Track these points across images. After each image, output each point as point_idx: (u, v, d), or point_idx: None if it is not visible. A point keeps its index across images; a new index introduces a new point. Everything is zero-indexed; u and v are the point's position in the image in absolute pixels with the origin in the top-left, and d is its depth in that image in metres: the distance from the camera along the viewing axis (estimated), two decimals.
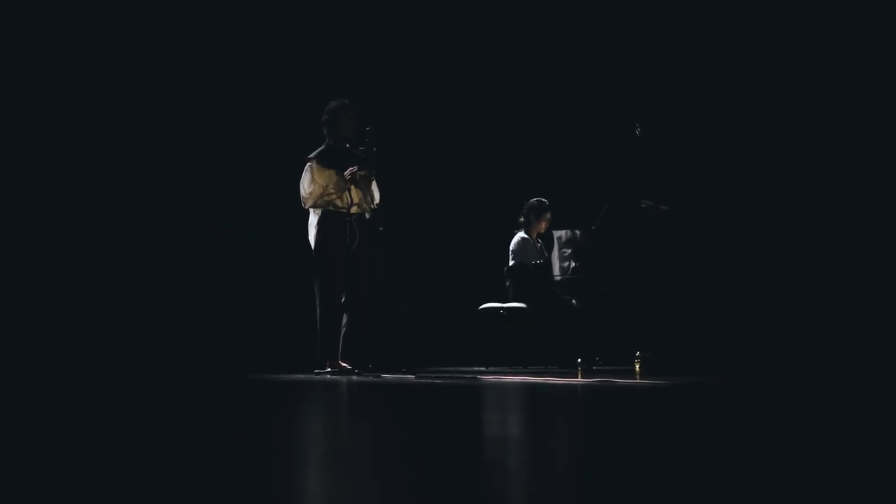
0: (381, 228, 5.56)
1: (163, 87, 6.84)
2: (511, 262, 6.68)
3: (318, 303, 5.53)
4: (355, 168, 5.46)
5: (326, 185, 5.47)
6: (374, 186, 5.65)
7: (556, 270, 6.32)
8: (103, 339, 6.30)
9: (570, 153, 7.73)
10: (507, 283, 6.70)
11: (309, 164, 5.50)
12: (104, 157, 6.66)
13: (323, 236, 5.49)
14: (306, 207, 5.55)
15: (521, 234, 6.72)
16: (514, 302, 6.57)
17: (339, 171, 5.47)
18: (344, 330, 5.51)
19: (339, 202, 5.51)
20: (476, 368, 6.31)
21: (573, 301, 6.40)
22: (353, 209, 5.56)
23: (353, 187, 5.55)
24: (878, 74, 7.01)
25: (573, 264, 6.20)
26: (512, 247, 6.69)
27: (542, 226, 6.74)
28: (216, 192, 6.97)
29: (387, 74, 7.50)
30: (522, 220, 6.76)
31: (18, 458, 1.77)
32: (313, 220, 5.56)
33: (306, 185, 5.49)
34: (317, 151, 5.56)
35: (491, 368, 6.24)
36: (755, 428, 2.42)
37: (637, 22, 7.67)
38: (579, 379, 4.88)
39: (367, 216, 5.59)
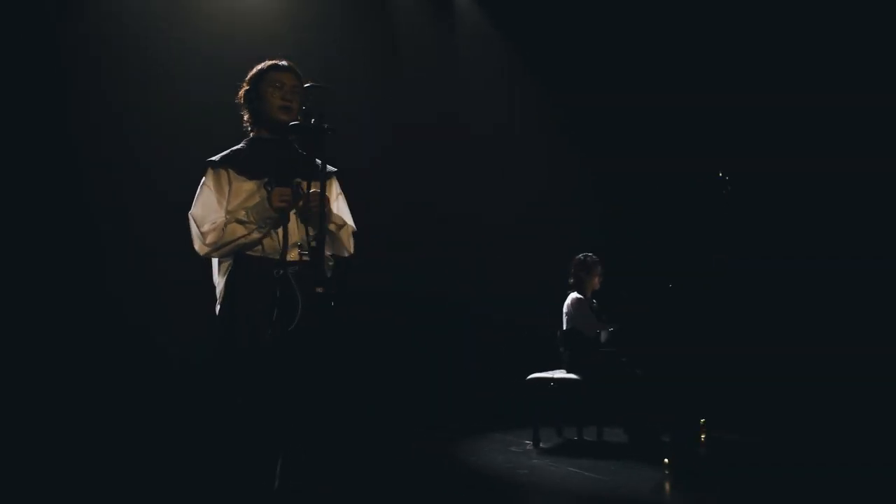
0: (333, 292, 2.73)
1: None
2: (566, 327, 6.00)
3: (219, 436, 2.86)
4: (308, 189, 2.82)
5: (243, 211, 2.87)
6: (341, 209, 3.11)
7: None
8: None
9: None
10: (562, 349, 6.01)
11: (206, 175, 2.94)
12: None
13: (233, 306, 2.84)
14: (204, 255, 2.91)
15: (575, 295, 6.03)
16: (570, 372, 5.88)
17: (272, 180, 2.92)
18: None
19: (265, 241, 2.89)
20: (525, 442, 5.92)
21: (638, 372, 5.69)
22: (291, 254, 2.88)
23: (294, 216, 2.92)
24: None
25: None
26: (566, 309, 5.99)
27: (596, 282, 6.13)
28: None
29: None
30: (572, 280, 6.14)
31: None
32: (219, 277, 2.95)
33: (202, 214, 2.89)
34: (226, 152, 2.99)
35: (542, 445, 5.79)
36: None
37: None
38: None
39: (329, 266, 2.92)
